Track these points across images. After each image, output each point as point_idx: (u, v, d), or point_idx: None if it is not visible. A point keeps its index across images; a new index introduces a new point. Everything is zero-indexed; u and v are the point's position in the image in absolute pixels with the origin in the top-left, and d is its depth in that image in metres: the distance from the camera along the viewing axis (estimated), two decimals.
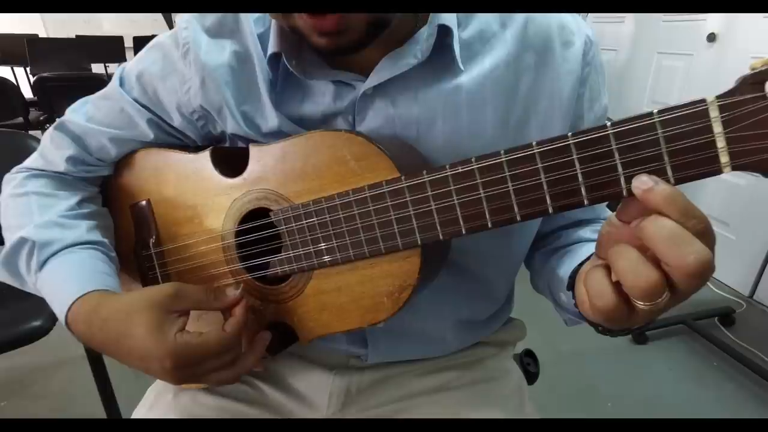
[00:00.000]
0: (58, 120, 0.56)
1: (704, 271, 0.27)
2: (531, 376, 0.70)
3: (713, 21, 1.94)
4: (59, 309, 0.46)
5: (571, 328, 0.51)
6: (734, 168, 0.27)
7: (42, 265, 0.48)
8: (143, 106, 0.53)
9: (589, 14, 2.53)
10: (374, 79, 0.44)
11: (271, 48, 0.45)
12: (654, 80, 2.29)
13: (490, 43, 0.46)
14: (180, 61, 0.50)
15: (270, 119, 0.48)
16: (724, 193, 1.95)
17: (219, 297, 0.45)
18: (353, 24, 0.37)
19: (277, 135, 0.48)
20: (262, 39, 0.47)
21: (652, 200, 0.28)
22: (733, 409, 1.38)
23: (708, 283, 1.98)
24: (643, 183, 0.28)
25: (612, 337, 0.39)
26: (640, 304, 0.29)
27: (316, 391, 0.57)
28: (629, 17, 2.42)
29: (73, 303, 0.45)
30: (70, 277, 0.47)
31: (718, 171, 0.28)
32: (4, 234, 0.52)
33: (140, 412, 0.57)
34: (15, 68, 3.95)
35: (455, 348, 0.59)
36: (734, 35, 1.86)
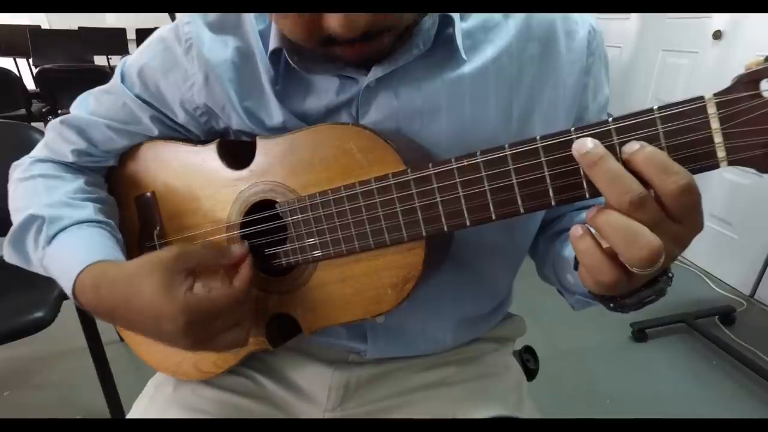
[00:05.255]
0: (62, 116, 0.56)
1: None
2: (530, 373, 0.70)
3: (719, 19, 1.93)
4: (67, 277, 0.45)
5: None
6: (730, 163, 0.29)
7: (50, 239, 0.49)
8: (145, 102, 0.53)
9: None
10: (377, 71, 0.44)
11: (272, 44, 0.45)
12: (658, 78, 2.28)
13: (493, 33, 0.46)
14: (182, 57, 0.49)
15: (275, 115, 0.48)
16: (727, 192, 1.94)
17: (225, 254, 0.45)
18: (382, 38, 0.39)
19: (281, 130, 0.48)
20: (263, 35, 0.47)
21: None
22: (732, 408, 1.38)
23: (709, 282, 1.99)
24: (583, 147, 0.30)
25: (624, 313, 0.39)
26: (643, 271, 0.30)
27: (316, 386, 0.57)
28: (634, 14, 2.41)
29: (82, 270, 0.45)
30: (80, 248, 0.48)
31: (715, 165, 0.29)
32: (13, 216, 0.52)
33: (141, 404, 0.57)
34: (17, 59, 3.95)
35: (455, 344, 0.59)
36: (740, 33, 1.85)
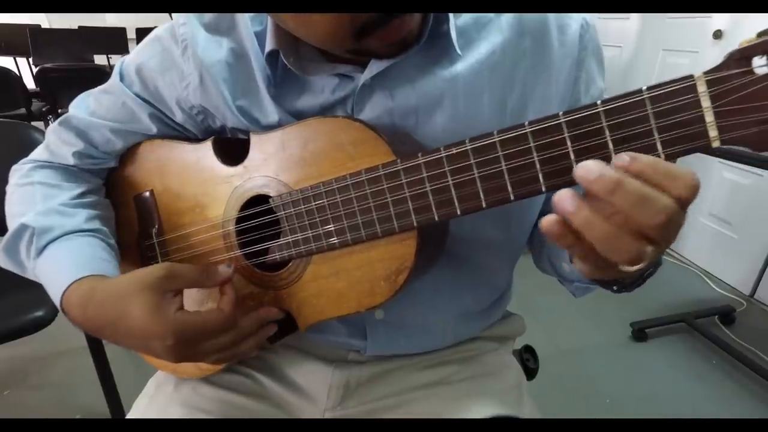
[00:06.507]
0: (62, 117, 0.56)
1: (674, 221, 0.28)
2: (530, 372, 0.70)
3: (719, 19, 1.93)
4: (55, 294, 0.46)
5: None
6: (723, 142, 0.28)
7: (40, 251, 0.49)
8: (144, 100, 0.53)
9: None
10: (373, 68, 0.44)
11: (269, 46, 0.45)
12: (658, 78, 2.27)
13: (486, 29, 0.46)
14: (179, 58, 0.50)
15: (270, 114, 0.48)
16: (727, 192, 1.94)
17: (212, 275, 0.45)
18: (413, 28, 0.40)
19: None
20: (260, 37, 0.47)
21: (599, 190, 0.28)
22: (732, 408, 1.38)
23: (709, 282, 1.99)
24: (588, 172, 0.28)
25: (628, 292, 0.39)
26: (629, 269, 0.30)
27: (316, 385, 0.57)
28: (634, 14, 2.41)
29: (67, 288, 0.45)
30: (67, 262, 0.48)
31: (707, 145, 0.28)
32: (8, 222, 0.52)
33: (141, 403, 0.57)
34: (18, 59, 3.95)
35: (455, 340, 0.59)
36: (740, 33, 1.85)
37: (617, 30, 2.49)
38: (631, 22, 2.43)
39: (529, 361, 0.71)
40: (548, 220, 0.30)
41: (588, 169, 0.28)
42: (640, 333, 1.64)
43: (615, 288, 0.39)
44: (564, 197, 0.29)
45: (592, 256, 0.30)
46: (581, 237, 0.29)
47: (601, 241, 0.28)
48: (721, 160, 1.88)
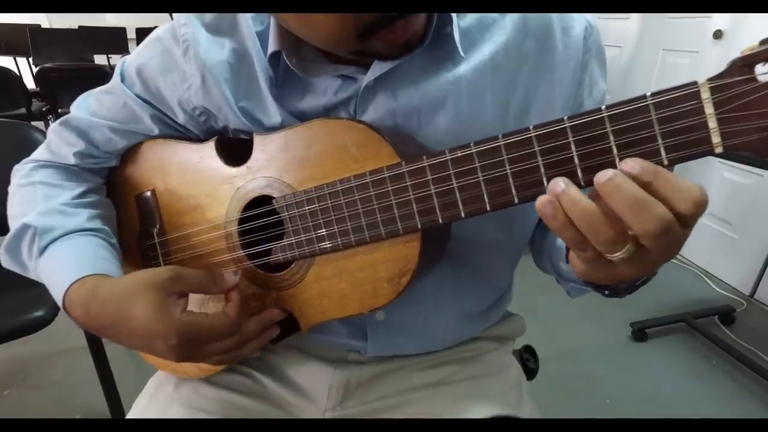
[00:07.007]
0: (63, 117, 0.56)
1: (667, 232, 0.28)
2: (530, 372, 0.70)
3: (719, 19, 1.93)
4: (57, 293, 0.46)
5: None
6: (725, 148, 0.28)
7: (42, 251, 0.49)
8: (145, 101, 0.53)
9: None
10: (376, 70, 0.44)
11: (271, 47, 0.45)
12: (658, 78, 2.28)
13: (490, 31, 0.46)
14: (181, 58, 0.50)
15: (272, 115, 0.48)
16: (727, 192, 1.94)
17: (218, 281, 0.46)
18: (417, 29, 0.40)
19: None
20: (262, 37, 0.47)
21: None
22: (732, 408, 1.38)
23: (709, 282, 1.99)
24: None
25: (620, 297, 0.39)
26: (609, 257, 0.30)
27: (316, 385, 0.57)
28: (634, 14, 2.41)
29: (69, 286, 0.45)
30: (69, 261, 0.48)
31: (710, 151, 0.28)
32: (10, 222, 0.52)
33: (141, 403, 0.57)
34: (18, 59, 3.95)
35: (455, 341, 0.59)
36: (741, 32, 1.85)
37: (617, 30, 2.49)
38: (631, 22, 2.43)
39: (529, 361, 0.71)
40: (541, 200, 0.31)
41: (601, 173, 0.29)
42: (640, 333, 1.64)
43: (606, 292, 0.39)
44: (556, 179, 0.30)
45: (582, 245, 0.31)
46: (571, 221, 0.30)
47: (581, 220, 0.30)
48: (722, 160, 1.88)
